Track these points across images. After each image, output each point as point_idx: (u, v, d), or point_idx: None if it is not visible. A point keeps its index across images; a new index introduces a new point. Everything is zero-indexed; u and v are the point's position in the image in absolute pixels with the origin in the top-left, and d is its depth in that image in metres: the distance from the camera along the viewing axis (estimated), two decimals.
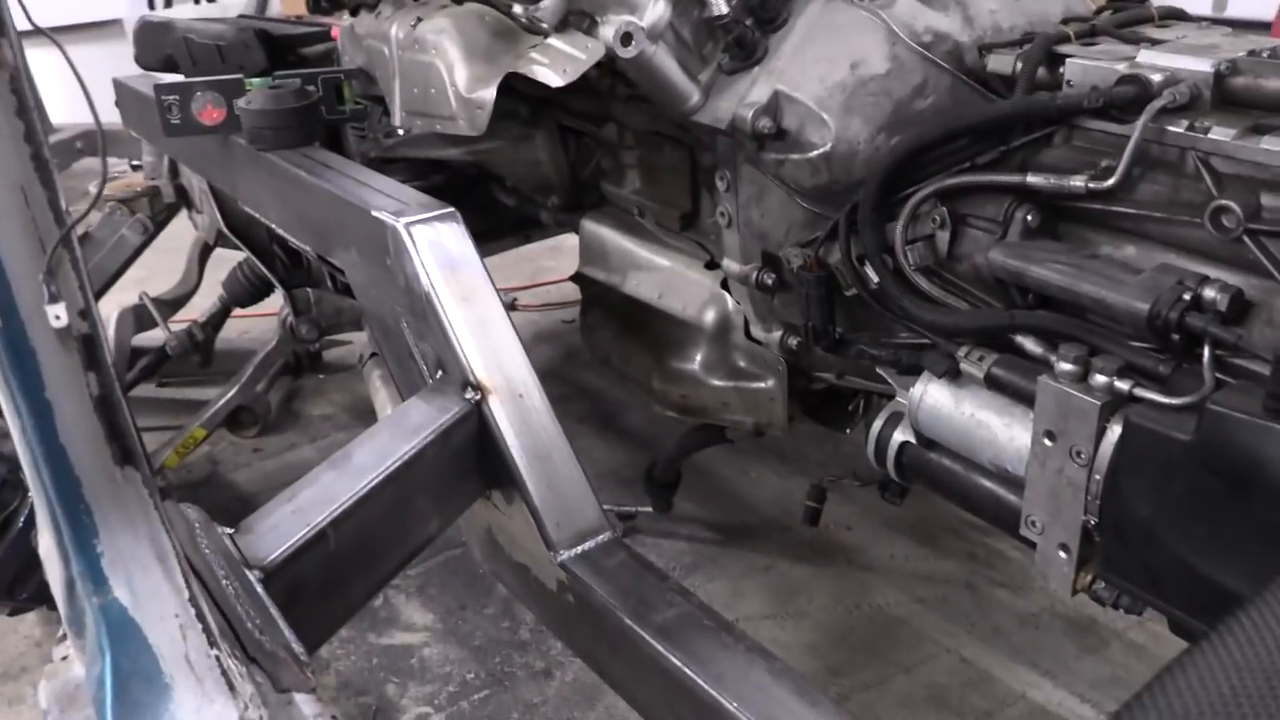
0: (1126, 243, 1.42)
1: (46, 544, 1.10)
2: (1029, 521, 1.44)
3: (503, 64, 1.72)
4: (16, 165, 0.85)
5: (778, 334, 1.84)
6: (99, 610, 0.99)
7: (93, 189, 3.07)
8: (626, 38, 1.54)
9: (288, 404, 3.39)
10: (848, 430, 2.06)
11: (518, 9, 1.71)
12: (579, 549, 1.46)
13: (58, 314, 0.87)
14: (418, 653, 2.33)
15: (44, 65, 1.39)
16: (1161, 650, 2.21)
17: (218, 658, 0.97)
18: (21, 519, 1.96)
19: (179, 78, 2.24)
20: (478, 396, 1.50)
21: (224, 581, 1.12)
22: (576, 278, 2.33)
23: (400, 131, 2.10)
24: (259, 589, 1.15)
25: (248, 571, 1.17)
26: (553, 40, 1.65)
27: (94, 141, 3.66)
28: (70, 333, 0.91)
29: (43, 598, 1.92)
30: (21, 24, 0.95)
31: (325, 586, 1.29)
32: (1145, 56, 1.39)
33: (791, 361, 1.88)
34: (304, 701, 0.98)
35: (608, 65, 1.67)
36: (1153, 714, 0.69)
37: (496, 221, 2.67)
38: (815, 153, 1.57)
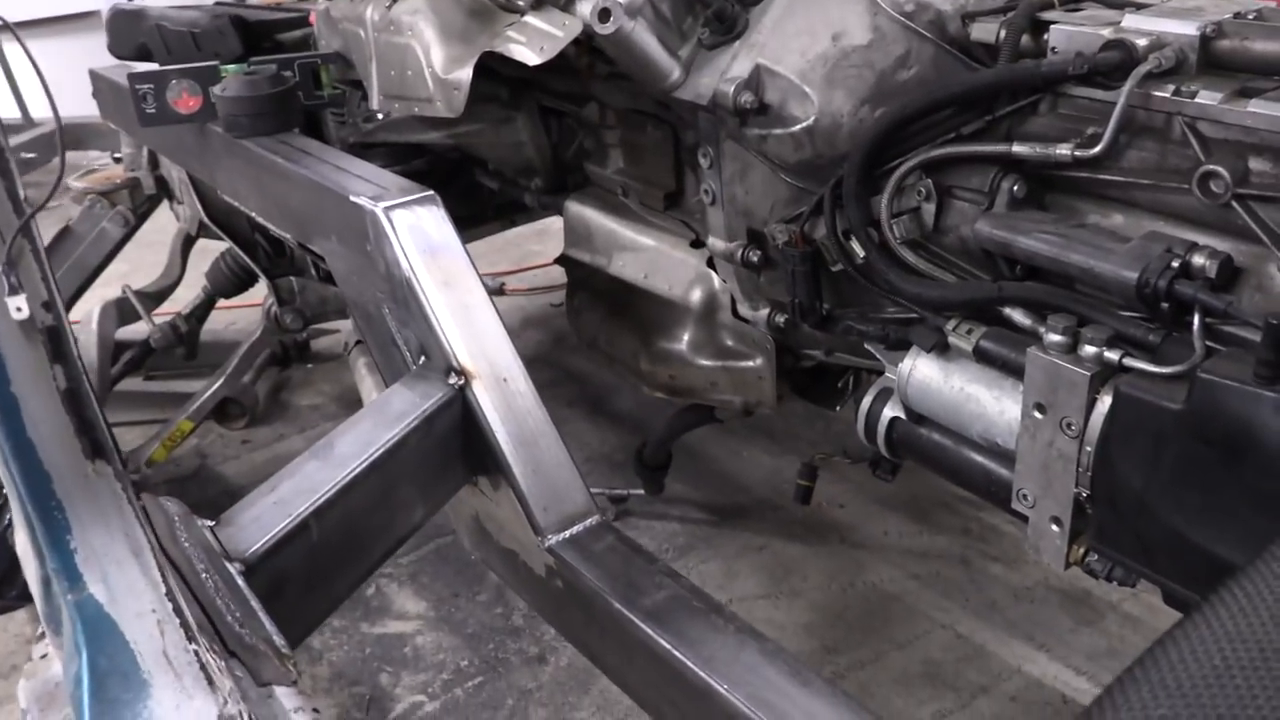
0: (1114, 211, 1.40)
1: (22, 541, 1.08)
2: (1020, 495, 1.43)
3: (479, 44, 1.69)
4: None
5: (765, 312, 1.82)
6: (74, 607, 0.98)
7: (73, 182, 3.06)
8: (604, 14, 1.51)
9: (276, 395, 3.37)
10: (837, 407, 2.05)
11: None
12: (567, 534, 1.44)
13: (19, 306, 0.85)
14: (411, 641, 2.32)
15: (24, 58, 1.36)
16: (1157, 622, 2.21)
17: (196, 652, 0.95)
18: (7, 518, 1.94)
19: (155, 67, 2.21)
20: (461, 382, 1.48)
21: (204, 575, 1.10)
22: (562, 260, 2.31)
23: (379, 115, 2.07)
24: (240, 582, 1.13)
25: (228, 564, 1.15)
26: (529, 18, 1.63)
27: (75, 135, 3.62)
28: (34, 325, 0.89)
29: (31, 595, 1.91)
30: None
31: (309, 578, 1.27)
32: (1130, 21, 1.36)
33: (779, 339, 1.87)
34: (285, 695, 0.97)
35: (586, 43, 1.65)
36: (1145, 688, 0.67)
37: (480, 206, 2.65)
38: (798, 127, 1.54)
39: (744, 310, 1.87)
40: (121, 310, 3.00)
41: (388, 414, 1.43)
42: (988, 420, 1.47)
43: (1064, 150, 1.36)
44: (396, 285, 1.56)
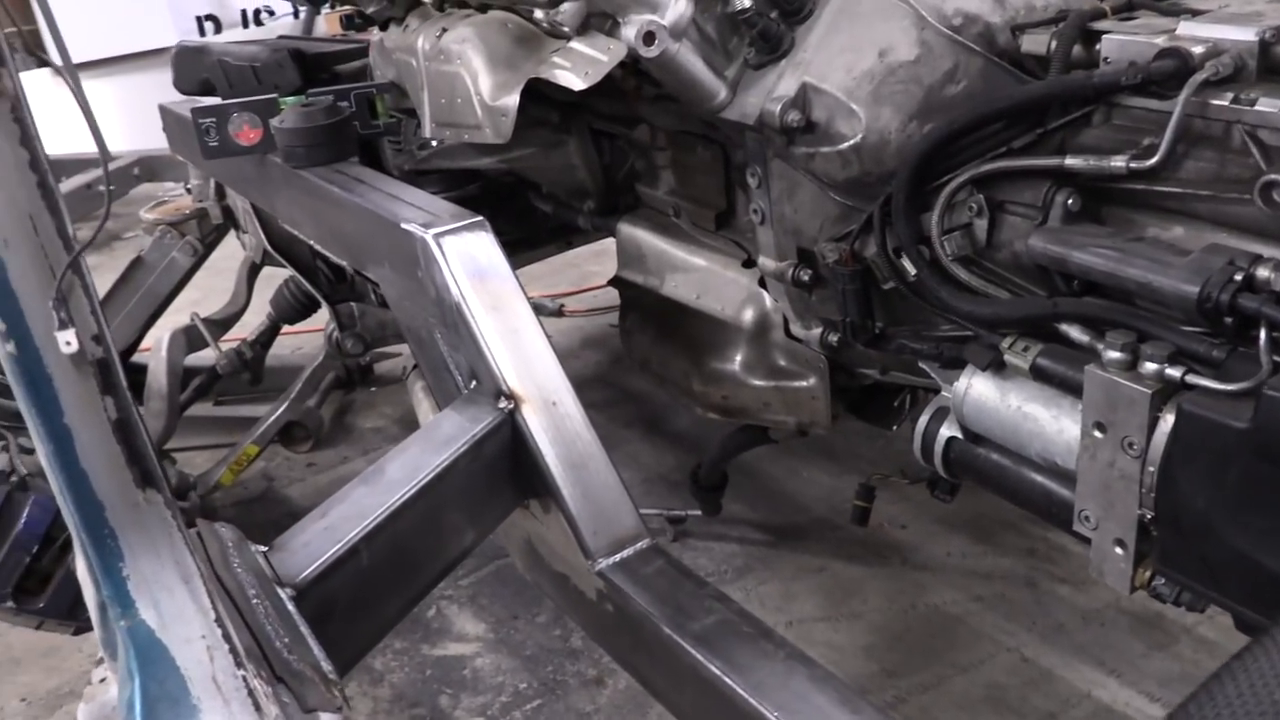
0: (1173, 223, 1.36)
1: (81, 568, 1.11)
2: (1082, 516, 1.39)
3: (525, 70, 1.70)
4: (23, 194, 0.85)
5: (817, 331, 1.80)
6: (127, 633, 1.00)
7: (144, 213, 3.16)
8: (649, 37, 1.51)
9: (340, 418, 3.42)
10: (894, 427, 2.02)
11: (539, 14, 1.70)
12: (616, 557, 1.44)
13: (68, 340, 0.88)
14: (470, 663, 2.33)
15: (102, 94, 1.40)
16: (1234, 645, 2.12)
17: (244, 678, 0.96)
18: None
19: (217, 100, 2.27)
20: (510, 405, 1.49)
21: (254, 600, 1.12)
22: (615, 281, 2.31)
23: (433, 143, 2.10)
24: (290, 607, 1.14)
25: (279, 590, 1.17)
26: (575, 43, 1.63)
27: (150, 167, 3.73)
28: (84, 358, 0.91)
29: None
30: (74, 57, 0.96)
31: (358, 603, 1.28)
32: (1185, 28, 1.33)
33: (832, 358, 1.85)
34: None
35: (632, 66, 1.65)
36: None
37: (535, 229, 2.67)
38: (845, 144, 1.53)
39: (796, 329, 1.85)
40: (190, 337, 3.07)
41: (437, 439, 1.44)
42: (1046, 439, 1.43)
43: (1119, 162, 1.33)
44: (447, 310, 1.58)
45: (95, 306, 0.91)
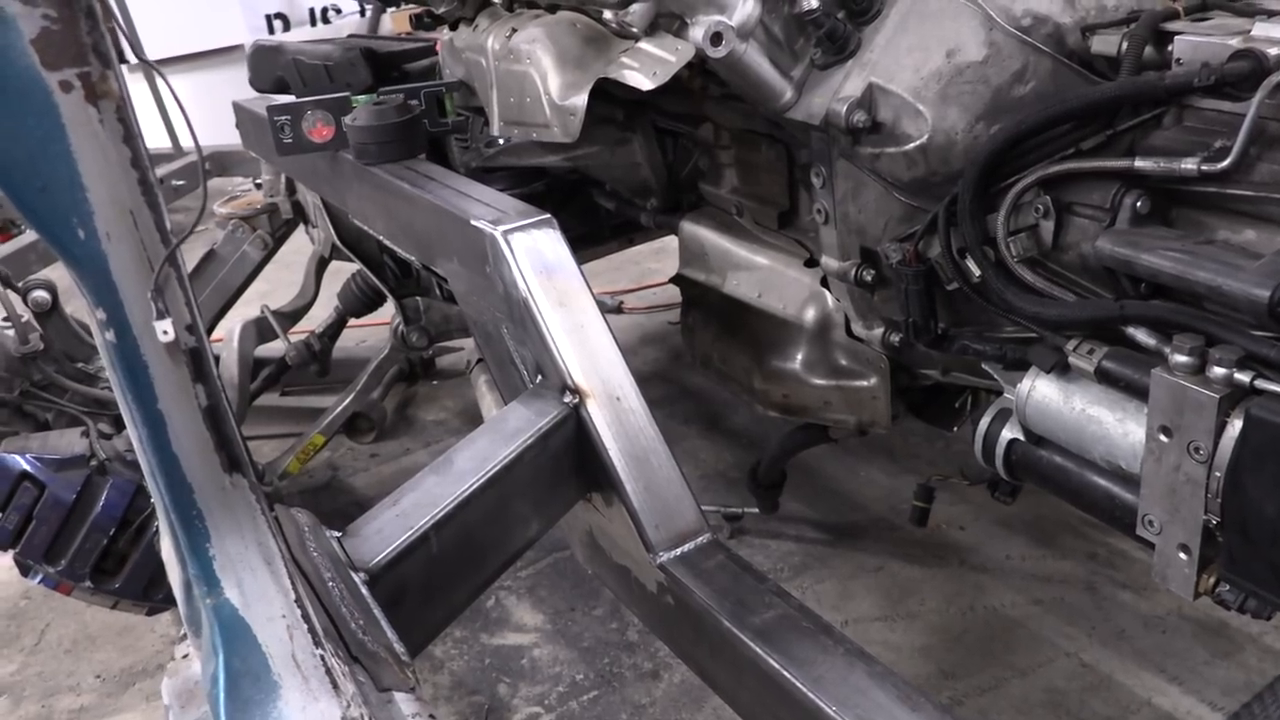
0: (1245, 226, 1.34)
1: (166, 548, 1.16)
2: (1146, 521, 1.38)
3: (594, 70, 1.73)
4: (125, 190, 0.90)
5: (879, 331, 1.81)
6: (212, 611, 1.04)
7: (217, 208, 3.24)
8: (716, 37, 1.53)
9: (402, 410, 3.49)
10: (954, 428, 2.01)
11: (608, 15, 1.72)
12: (678, 551, 1.46)
13: (165, 329, 0.92)
14: (528, 653, 2.37)
15: (176, 91, 1.45)
16: None
17: (322, 657, 1.00)
18: (155, 525, 2.07)
19: (291, 98, 2.33)
20: (575, 400, 1.52)
21: (330, 583, 1.16)
22: (677, 279, 2.33)
23: (500, 141, 2.13)
24: (364, 590, 1.18)
25: (353, 573, 1.21)
26: (643, 44, 1.66)
27: (221, 163, 3.84)
28: (178, 346, 0.96)
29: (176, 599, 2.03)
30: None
31: (428, 588, 1.32)
32: (1260, 29, 1.31)
33: (894, 358, 1.85)
34: (404, 700, 1.01)
35: (699, 65, 1.66)
36: None
37: (598, 226, 2.69)
38: (911, 145, 1.53)
39: (858, 329, 1.86)
40: (260, 329, 3.15)
41: (504, 431, 1.47)
42: (1111, 443, 1.42)
43: (1190, 164, 1.32)
44: (514, 305, 1.61)
45: (190, 298, 0.95)
